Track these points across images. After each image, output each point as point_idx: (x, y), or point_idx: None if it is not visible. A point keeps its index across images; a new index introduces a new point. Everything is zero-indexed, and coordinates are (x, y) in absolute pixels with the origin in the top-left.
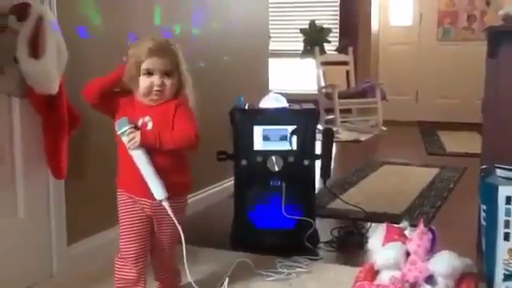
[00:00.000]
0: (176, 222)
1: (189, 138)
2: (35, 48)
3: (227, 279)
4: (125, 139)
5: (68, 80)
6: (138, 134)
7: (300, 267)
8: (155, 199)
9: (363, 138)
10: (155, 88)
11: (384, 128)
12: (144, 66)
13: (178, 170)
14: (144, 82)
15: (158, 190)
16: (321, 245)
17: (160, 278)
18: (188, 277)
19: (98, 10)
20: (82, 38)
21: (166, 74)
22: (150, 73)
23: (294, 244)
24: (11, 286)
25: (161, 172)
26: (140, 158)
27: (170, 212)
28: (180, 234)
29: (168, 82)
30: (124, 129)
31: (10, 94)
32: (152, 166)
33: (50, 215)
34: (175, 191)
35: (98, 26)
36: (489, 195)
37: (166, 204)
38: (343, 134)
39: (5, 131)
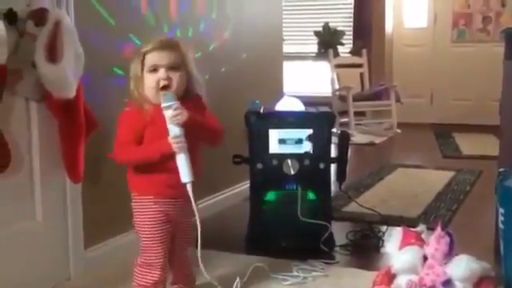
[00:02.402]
0: (195, 206)
1: (221, 130)
2: (53, 53)
3: (238, 279)
4: (169, 113)
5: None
6: (184, 110)
7: (316, 271)
8: (183, 183)
9: (378, 140)
10: (161, 82)
11: (398, 130)
12: (148, 62)
13: (195, 163)
14: (150, 79)
15: (187, 172)
16: (337, 248)
17: (177, 281)
18: (205, 274)
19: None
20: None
21: (171, 68)
22: (155, 69)
23: (310, 247)
24: None
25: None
26: (179, 136)
27: (191, 196)
28: (196, 220)
29: (175, 75)
30: (171, 103)
31: (28, 99)
32: (186, 147)
33: (67, 219)
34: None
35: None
36: (507, 198)
37: (189, 187)
38: (357, 137)
39: (23, 135)
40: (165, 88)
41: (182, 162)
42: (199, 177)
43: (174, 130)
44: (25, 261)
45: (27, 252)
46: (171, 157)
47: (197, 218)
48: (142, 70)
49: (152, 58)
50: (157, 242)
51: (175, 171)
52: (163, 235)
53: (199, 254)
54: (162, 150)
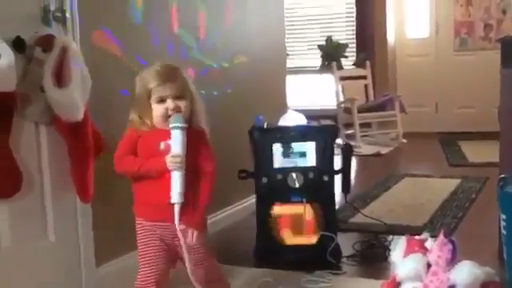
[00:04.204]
0: (178, 229)
1: (211, 181)
2: (60, 78)
3: None
4: (176, 133)
5: (93, 106)
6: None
7: (324, 282)
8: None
9: (384, 151)
10: (170, 113)
11: (404, 140)
12: (155, 94)
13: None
14: (158, 109)
15: (176, 193)
16: (343, 259)
17: None
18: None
19: None
20: None
21: (177, 97)
22: (162, 100)
23: (317, 259)
24: None
25: (190, 190)
26: (178, 156)
27: (176, 216)
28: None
29: (182, 103)
30: (179, 124)
31: (38, 122)
32: (184, 169)
33: (78, 238)
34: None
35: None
36: (508, 204)
37: (176, 209)
38: (364, 148)
39: (33, 158)
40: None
41: (175, 181)
42: (197, 223)
43: (174, 148)
44: (38, 280)
45: (40, 271)
46: (165, 173)
47: (181, 242)
48: (148, 98)
49: (157, 91)
50: (146, 263)
51: (166, 195)
52: (153, 257)
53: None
54: (158, 165)
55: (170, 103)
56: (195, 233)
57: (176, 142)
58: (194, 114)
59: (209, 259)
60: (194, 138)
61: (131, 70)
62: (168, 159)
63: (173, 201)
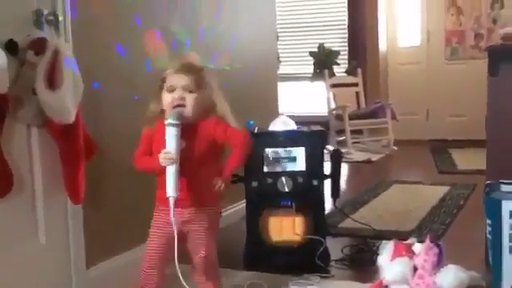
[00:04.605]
0: (172, 219)
1: (246, 145)
2: (52, 80)
3: None
4: (169, 130)
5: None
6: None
7: (311, 285)
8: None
9: (375, 158)
10: (176, 102)
11: (395, 147)
12: (167, 82)
13: (208, 182)
14: (166, 97)
15: (170, 187)
16: (332, 263)
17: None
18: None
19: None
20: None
21: (188, 90)
22: (172, 90)
23: (306, 263)
24: None
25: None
26: (169, 152)
27: (171, 210)
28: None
29: (190, 97)
30: (172, 121)
31: (30, 124)
32: (178, 165)
33: (69, 240)
34: (205, 200)
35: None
36: (493, 210)
37: (171, 202)
38: (355, 155)
39: (25, 160)
40: (178, 107)
41: (168, 176)
42: (208, 202)
43: (167, 144)
44: (29, 281)
45: (30, 273)
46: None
47: (175, 234)
48: (161, 85)
49: (170, 79)
50: (149, 247)
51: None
52: (155, 242)
53: (178, 270)
54: (155, 162)
55: (176, 93)
56: (222, 185)
57: (169, 139)
58: (210, 113)
59: (210, 252)
60: (206, 129)
61: (122, 71)
62: (160, 156)
63: (168, 194)
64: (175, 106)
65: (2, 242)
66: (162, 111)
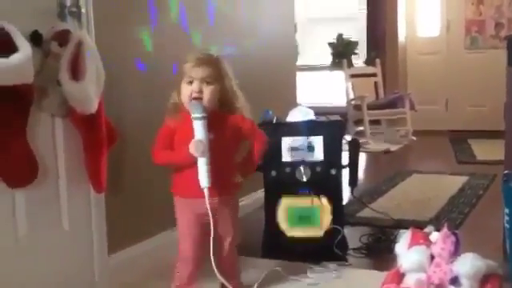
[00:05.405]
0: (208, 207)
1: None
2: (76, 71)
3: (256, 285)
4: (196, 123)
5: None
6: None
7: (329, 272)
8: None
9: (393, 148)
10: (193, 94)
11: (414, 138)
12: (187, 75)
13: (232, 171)
14: (185, 90)
15: (203, 177)
16: (350, 251)
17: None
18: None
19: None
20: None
21: (206, 82)
22: (191, 82)
23: (324, 251)
24: None
25: (220, 169)
26: (200, 141)
27: (207, 201)
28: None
29: (208, 89)
30: (197, 115)
31: (54, 114)
32: (209, 155)
33: (91, 227)
34: (230, 189)
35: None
36: (511, 199)
37: (206, 192)
38: (373, 145)
39: (49, 149)
40: (196, 99)
41: (201, 167)
42: (231, 190)
43: (197, 135)
44: (52, 266)
45: (55, 258)
46: (194, 160)
47: (211, 226)
48: (182, 78)
49: (189, 71)
50: (186, 237)
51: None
52: (192, 232)
53: (212, 259)
54: (183, 155)
55: (194, 85)
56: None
57: (199, 130)
58: (228, 103)
59: (234, 239)
60: (226, 122)
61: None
62: (191, 147)
63: (203, 185)
64: (193, 99)
65: (27, 229)
66: (179, 103)
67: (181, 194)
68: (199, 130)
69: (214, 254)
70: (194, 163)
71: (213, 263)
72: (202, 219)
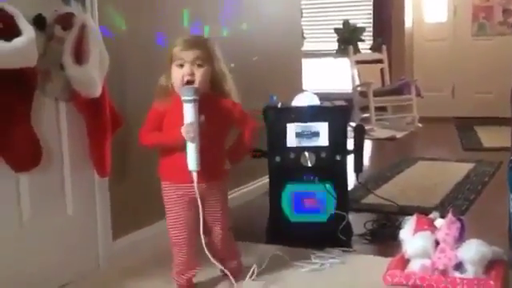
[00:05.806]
0: (198, 196)
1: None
2: (79, 55)
3: (255, 266)
4: (187, 106)
5: (110, 82)
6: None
7: (333, 258)
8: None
9: (399, 135)
10: (185, 78)
11: (420, 125)
12: (176, 58)
13: (221, 157)
14: (176, 73)
15: (192, 161)
16: (354, 237)
17: (221, 262)
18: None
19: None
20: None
21: (197, 64)
22: (181, 65)
23: (328, 237)
24: (61, 277)
25: (209, 153)
26: (191, 125)
27: (195, 185)
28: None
29: (199, 71)
30: (188, 98)
31: (57, 98)
32: (199, 140)
33: (96, 212)
34: (219, 174)
35: (124, 28)
36: None
37: (194, 176)
38: (379, 132)
39: (53, 133)
40: (188, 83)
41: (190, 151)
42: (220, 176)
43: (187, 118)
44: (58, 251)
45: (60, 243)
46: (184, 144)
47: (200, 207)
48: (170, 62)
49: (179, 54)
50: (177, 222)
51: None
52: (183, 216)
53: (203, 242)
54: (174, 137)
55: (186, 68)
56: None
57: (189, 113)
58: (217, 85)
59: (224, 223)
60: (217, 106)
61: (144, 46)
62: (183, 129)
63: (191, 168)
64: (185, 83)
65: (31, 214)
66: (173, 86)
67: (168, 179)
68: (190, 112)
69: (203, 234)
70: (183, 146)
71: (203, 243)
72: (190, 203)
